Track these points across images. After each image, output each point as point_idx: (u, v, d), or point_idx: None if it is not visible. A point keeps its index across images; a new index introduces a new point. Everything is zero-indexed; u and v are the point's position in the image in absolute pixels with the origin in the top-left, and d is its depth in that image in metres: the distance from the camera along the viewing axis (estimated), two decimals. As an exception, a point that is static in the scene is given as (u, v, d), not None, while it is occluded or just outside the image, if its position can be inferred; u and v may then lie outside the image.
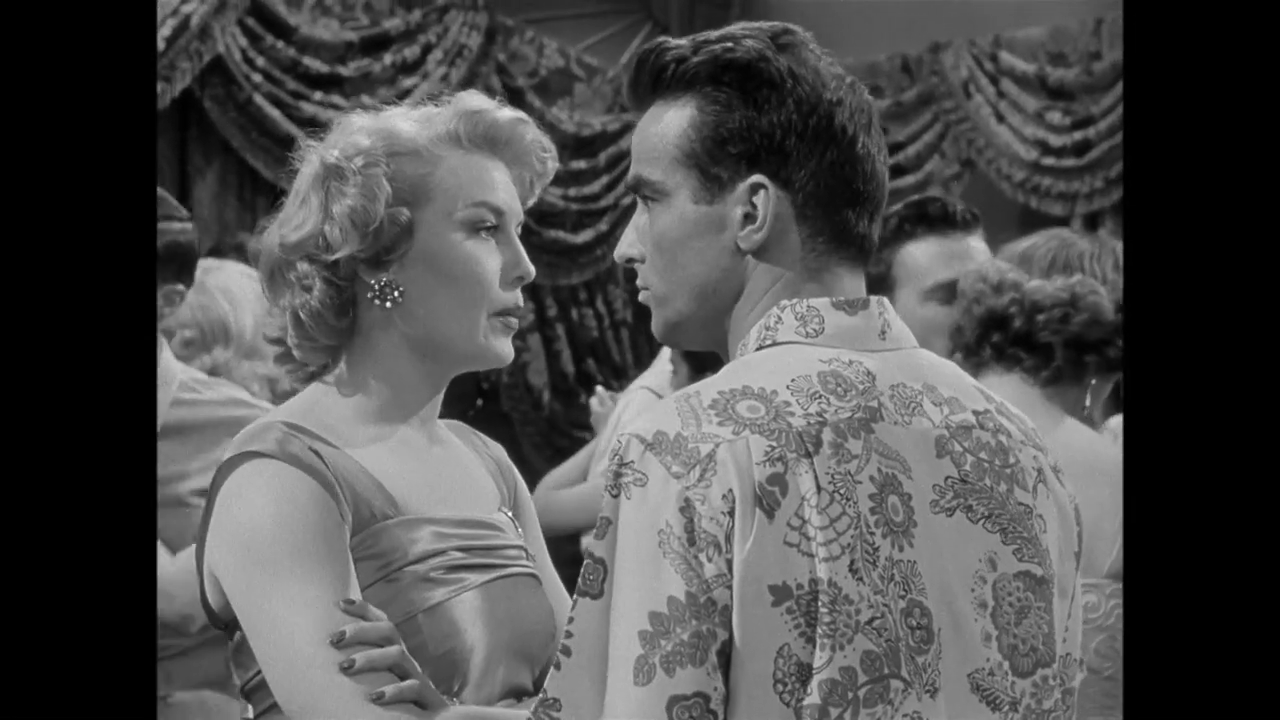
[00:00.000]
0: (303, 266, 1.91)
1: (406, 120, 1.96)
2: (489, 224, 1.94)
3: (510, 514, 2.04)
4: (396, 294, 1.91)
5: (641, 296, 1.72)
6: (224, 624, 1.90)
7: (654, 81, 1.69)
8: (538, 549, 2.06)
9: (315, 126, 6.62)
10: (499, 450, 2.12)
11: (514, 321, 1.95)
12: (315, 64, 6.24)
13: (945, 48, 6.81)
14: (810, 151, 1.64)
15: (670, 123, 1.67)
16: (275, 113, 6.10)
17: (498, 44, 6.76)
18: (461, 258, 1.92)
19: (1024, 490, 1.67)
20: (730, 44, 1.65)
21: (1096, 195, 6.44)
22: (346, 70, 6.33)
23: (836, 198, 1.66)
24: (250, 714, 1.94)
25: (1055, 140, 6.54)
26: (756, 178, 1.64)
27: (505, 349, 1.95)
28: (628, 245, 1.72)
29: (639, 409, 4.33)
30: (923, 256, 2.95)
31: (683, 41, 1.69)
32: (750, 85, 1.64)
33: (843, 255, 1.67)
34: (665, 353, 4.64)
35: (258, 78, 6.09)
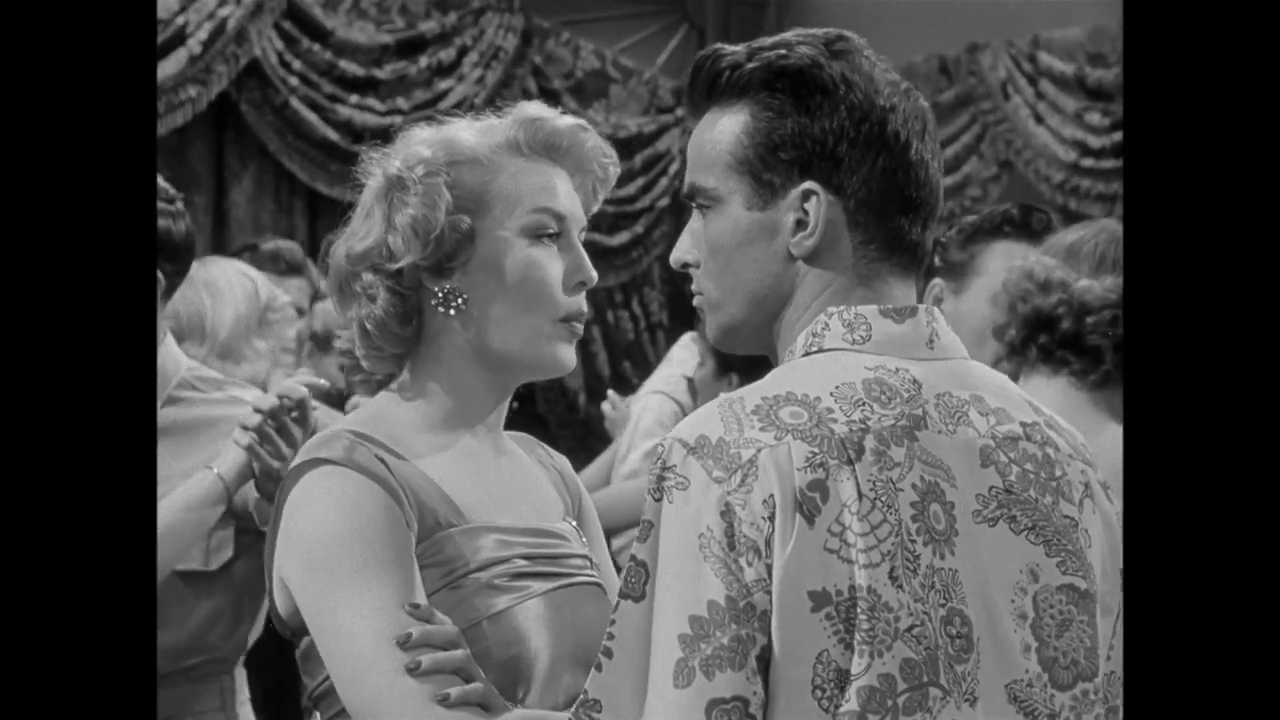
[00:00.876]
0: (368, 277, 1.94)
1: (467, 130, 1.98)
2: (550, 230, 1.96)
3: (574, 524, 2.06)
4: (460, 301, 1.94)
5: (696, 301, 1.73)
6: (291, 630, 1.93)
7: (709, 88, 1.69)
8: (601, 559, 2.08)
9: (351, 129, 6.62)
10: (563, 462, 2.14)
11: (578, 328, 1.97)
12: (351, 67, 6.25)
13: (983, 48, 6.79)
14: (862, 158, 1.64)
15: (724, 129, 1.67)
16: (312, 116, 6.11)
17: (533, 46, 6.76)
18: (522, 264, 1.94)
19: (1070, 504, 1.66)
20: (784, 51, 1.66)
21: (1136, 196, 6.40)
22: (382, 73, 6.33)
23: (889, 205, 1.65)
24: None
25: (1094, 141, 6.50)
26: (808, 184, 1.65)
27: (567, 356, 1.97)
28: (683, 251, 1.73)
29: (657, 414, 4.33)
30: (1007, 260, 2.92)
31: (738, 48, 1.69)
32: (803, 92, 1.64)
33: (895, 262, 1.67)
34: (674, 354, 4.63)
35: (294, 81, 6.10)
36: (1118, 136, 6.45)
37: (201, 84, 5.80)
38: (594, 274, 1.98)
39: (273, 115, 6.11)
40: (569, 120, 1.99)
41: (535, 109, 2.00)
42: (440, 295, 1.94)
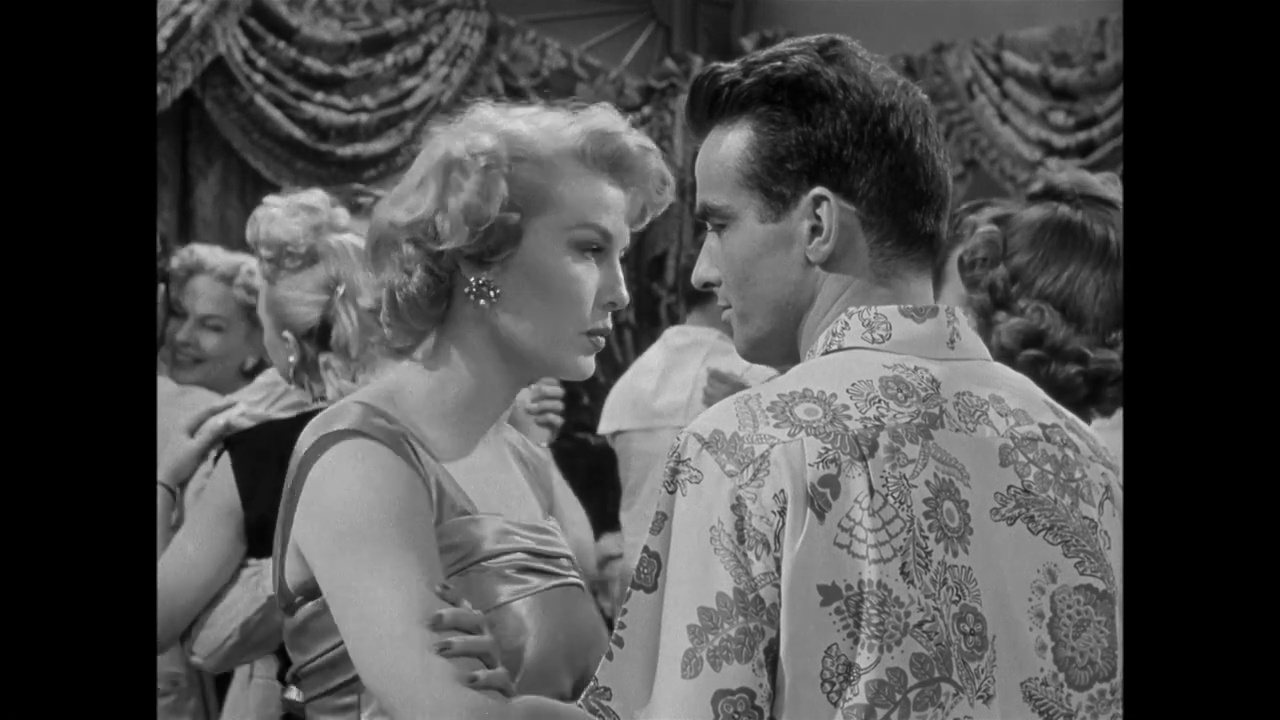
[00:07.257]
0: (408, 250, 1.93)
1: (534, 126, 1.96)
2: (595, 246, 1.96)
3: (554, 521, 2.07)
4: (493, 294, 1.94)
5: (724, 315, 1.74)
6: (288, 602, 1.93)
7: (710, 108, 1.71)
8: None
9: (316, 127, 6.57)
10: (543, 454, 2.15)
11: (600, 341, 1.98)
12: (317, 64, 6.23)
13: (949, 48, 6.81)
14: (869, 159, 1.66)
15: (729, 147, 1.69)
16: (276, 113, 6.10)
17: (500, 44, 6.76)
18: (562, 274, 1.94)
19: (1089, 505, 1.68)
20: (779, 62, 1.68)
21: (1100, 196, 6.44)
22: (348, 71, 6.32)
23: (900, 200, 1.68)
24: (299, 697, 1.94)
25: (1059, 141, 6.54)
26: (818, 190, 1.67)
27: (587, 365, 1.98)
28: (704, 270, 1.75)
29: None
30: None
31: (734, 65, 1.71)
32: (802, 100, 1.66)
33: (911, 257, 1.69)
34: None
35: (259, 78, 6.09)
36: (1082, 136, 6.50)
37: (166, 81, 5.78)
38: (626, 296, 1.98)
39: (238, 113, 6.09)
40: (637, 139, 1.98)
41: (607, 120, 1.98)
42: (475, 285, 1.93)
